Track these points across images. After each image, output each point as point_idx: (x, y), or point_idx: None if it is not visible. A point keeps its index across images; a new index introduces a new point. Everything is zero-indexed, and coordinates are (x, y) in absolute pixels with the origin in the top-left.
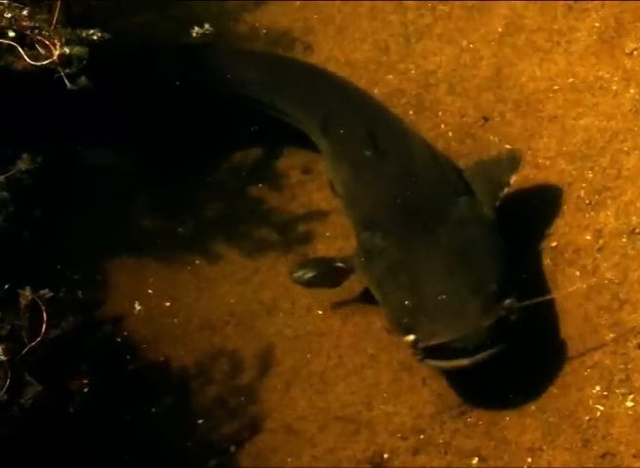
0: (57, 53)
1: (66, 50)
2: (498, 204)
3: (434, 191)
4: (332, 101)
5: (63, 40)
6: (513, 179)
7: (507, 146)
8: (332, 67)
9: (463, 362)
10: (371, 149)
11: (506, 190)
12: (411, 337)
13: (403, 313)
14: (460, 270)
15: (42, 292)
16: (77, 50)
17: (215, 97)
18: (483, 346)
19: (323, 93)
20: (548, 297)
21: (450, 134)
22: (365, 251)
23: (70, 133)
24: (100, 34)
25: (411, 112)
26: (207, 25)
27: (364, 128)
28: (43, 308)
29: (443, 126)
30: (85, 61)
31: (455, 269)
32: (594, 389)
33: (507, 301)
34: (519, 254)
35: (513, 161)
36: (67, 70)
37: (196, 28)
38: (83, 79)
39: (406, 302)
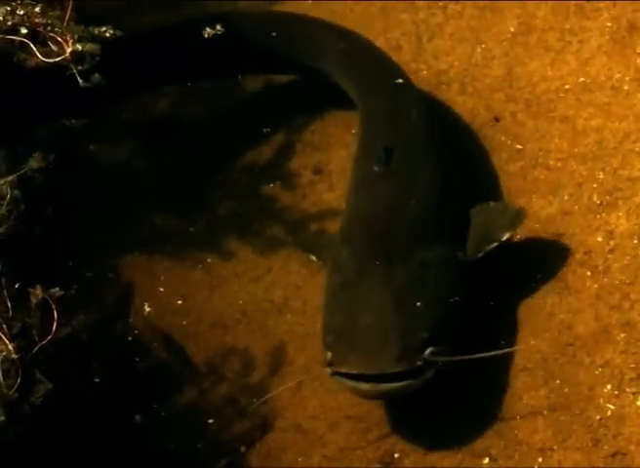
0: (69, 50)
1: (79, 47)
2: (481, 255)
3: (414, 227)
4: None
5: (76, 37)
6: (506, 238)
7: (518, 147)
8: None
9: (365, 387)
10: (380, 166)
11: (495, 245)
12: (328, 355)
13: (331, 331)
14: (398, 310)
15: (53, 290)
16: (89, 47)
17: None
18: (390, 379)
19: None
20: (482, 355)
21: (461, 133)
22: (332, 257)
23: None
24: (112, 31)
25: None
26: (218, 26)
27: (383, 144)
28: (54, 306)
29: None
30: (97, 58)
31: (394, 308)
32: (605, 388)
33: (428, 351)
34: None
35: (515, 219)
36: (80, 67)
37: (208, 29)
38: (96, 76)
39: (337, 322)
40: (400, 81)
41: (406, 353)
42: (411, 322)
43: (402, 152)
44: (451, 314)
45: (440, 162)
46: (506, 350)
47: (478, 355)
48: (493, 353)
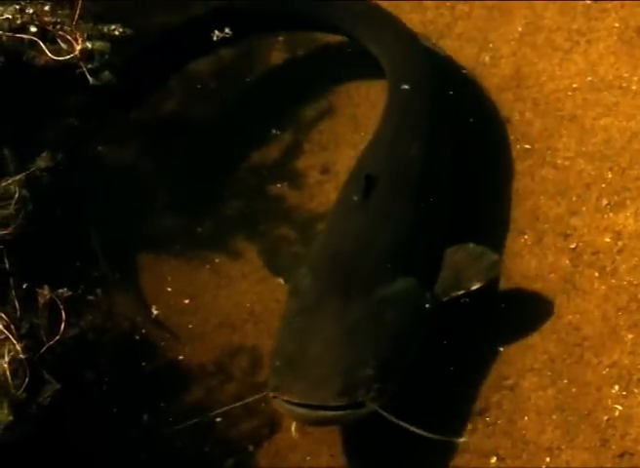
0: (78, 48)
1: (88, 45)
2: (446, 299)
3: (380, 262)
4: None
5: (85, 35)
6: (475, 287)
7: (527, 146)
8: (351, 66)
9: (302, 411)
10: (359, 196)
11: (461, 293)
12: (273, 380)
13: (279, 356)
14: (347, 344)
15: (60, 290)
16: (99, 45)
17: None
18: (329, 408)
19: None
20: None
21: (468, 134)
22: (295, 283)
23: None
24: (121, 29)
25: None
26: (227, 29)
27: (364, 174)
28: (61, 307)
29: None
30: (107, 56)
31: (343, 342)
32: (613, 389)
33: (372, 393)
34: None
35: (490, 269)
36: (90, 65)
37: (216, 32)
38: (106, 74)
39: (287, 349)
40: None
41: (348, 388)
42: (358, 357)
43: (387, 182)
44: (403, 353)
45: (427, 193)
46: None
47: (413, 428)
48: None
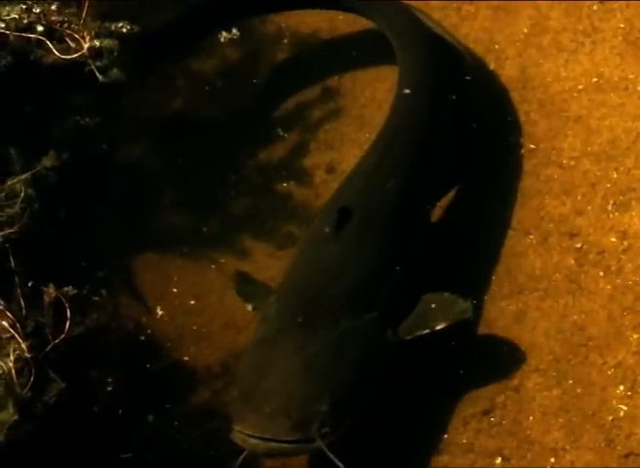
0: (86, 46)
1: (96, 43)
2: (410, 338)
3: (345, 297)
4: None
5: (93, 33)
6: (440, 327)
7: (532, 146)
8: (357, 66)
9: (251, 442)
10: (331, 228)
11: (426, 332)
12: (230, 406)
13: (238, 384)
14: (304, 379)
15: (66, 289)
16: (107, 43)
17: None
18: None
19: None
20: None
21: (473, 134)
22: (263, 311)
23: None
24: (129, 26)
25: None
26: (234, 30)
27: (339, 206)
28: (67, 305)
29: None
30: (116, 54)
31: (300, 376)
32: (618, 389)
33: (325, 429)
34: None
35: (459, 313)
36: (98, 63)
37: (224, 33)
38: (115, 71)
39: (245, 379)
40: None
41: (301, 423)
42: (313, 392)
43: (361, 216)
44: (359, 390)
45: (401, 230)
46: None
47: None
48: None
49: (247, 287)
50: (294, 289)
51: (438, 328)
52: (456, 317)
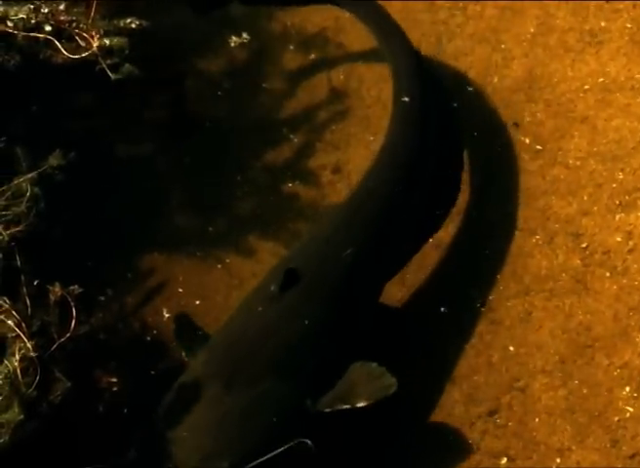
0: (95, 44)
1: (106, 41)
2: (329, 411)
3: (272, 360)
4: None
5: (102, 31)
6: (360, 405)
7: (538, 147)
8: (362, 67)
9: None
10: (275, 289)
11: (345, 407)
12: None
13: (152, 429)
14: (212, 435)
15: (72, 287)
16: (117, 41)
17: None
18: None
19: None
20: None
21: (480, 134)
22: (194, 358)
23: None
24: (137, 22)
25: None
26: (245, 34)
27: (288, 267)
28: (72, 304)
29: (473, 127)
30: (127, 51)
31: (210, 432)
32: (624, 390)
33: None
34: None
35: (382, 391)
36: (108, 61)
37: (234, 38)
38: (127, 67)
39: (160, 423)
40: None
41: None
42: (217, 449)
43: (309, 281)
44: (263, 453)
45: (345, 303)
46: None
47: None
48: None
49: (185, 332)
50: (225, 342)
51: (358, 405)
52: (378, 395)
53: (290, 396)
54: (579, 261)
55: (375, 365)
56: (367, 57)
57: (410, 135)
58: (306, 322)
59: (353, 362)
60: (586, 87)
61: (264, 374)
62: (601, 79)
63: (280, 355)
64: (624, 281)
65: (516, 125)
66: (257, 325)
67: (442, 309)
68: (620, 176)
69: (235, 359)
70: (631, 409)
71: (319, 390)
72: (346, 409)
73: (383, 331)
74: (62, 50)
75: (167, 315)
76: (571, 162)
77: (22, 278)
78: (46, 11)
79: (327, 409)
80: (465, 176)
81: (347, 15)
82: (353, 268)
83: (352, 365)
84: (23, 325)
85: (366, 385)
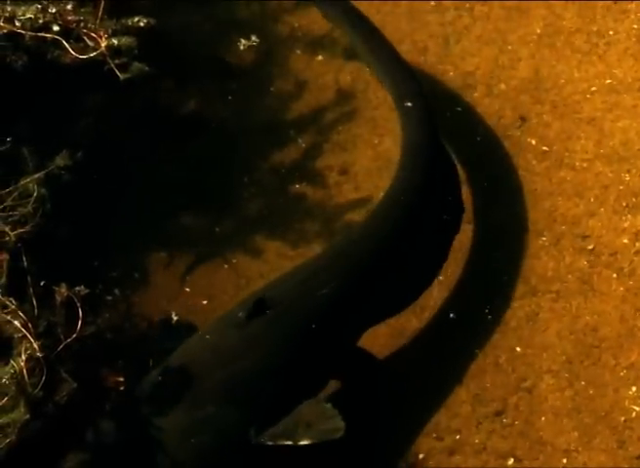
0: (104, 44)
1: (114, 41)
2: (271, 443)
3: (224, 385)
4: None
5: (110, 31)
6: (304, 443)
7: (544, 148)
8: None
9: None
10: (243, 316)
11: (288, 443)
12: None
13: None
14: (152, 455)
15: (78, 288)
16: (125, 40)
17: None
18: None
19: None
20: None
21: (487, 135)
22: (151, 372)
23: None
24: (145, 21)
25: (448, 114)
26: (254, 37)
27: (258, 297)
28: (79, 305)
29: (480, 127)
30: (136, 51)
31: (149, 452)
32: (630, 390)
33: None
34: None
35: (330, 433)
36: (117, 61)
37: (243, 41)
38: (135, 66)
39: (104, 439)
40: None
41: None
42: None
43: (276, 313)
44: None
45: (310, 341)
46: None
47: None
48: None
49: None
50: (182, 359)
51: (302, 443)
52: (324, 437)
53: (233, 422)
54: (585, 263)
55: (328, 405)
56: None
57: (413, 185)
58: (266, 352)
59: (309, 398)
60: (593, 88)
61: (212, 399)
62: (608, 80)
63: (232, 380)
64: (631, 282)
65: (522, 119)
66: (216, 347)
67: (450, 315)
68: (627, 178)
69: (187, 377)
70: (638, 410)
71: (266, 422)
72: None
73: (356, 377)
74: (70, 50)
75: (174, 315)
76: (577, 163)
77: (29, 278)
78: (54, 11)
79: (270, 442)
80: (471, 180)
81: None
82: (326, 308)
83: (306, 401)
84: (30, 325)
85: (314, 425)
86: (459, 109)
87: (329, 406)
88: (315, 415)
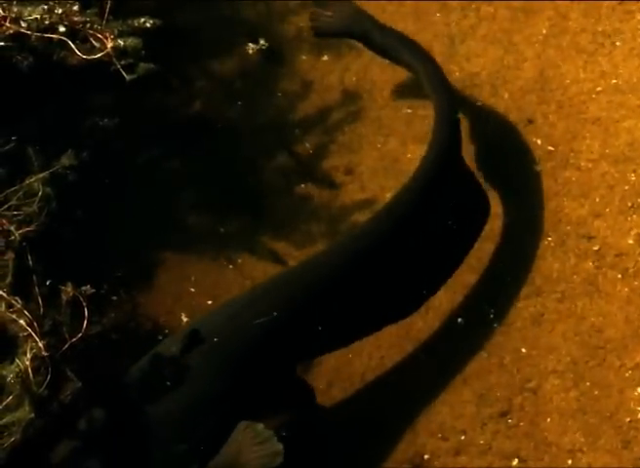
0: (110, 45)
1: (120, 42)
2: None
3: (163, 422)
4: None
5: (116, 32)
6: None
7: (550, 148)
8: (375, 69)
9: None
10: (176, 349)
11: None
12: None
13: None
14: None
15: (84, 287)
16: (131, 41)
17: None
18: None
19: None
20: None
21: (492, 136)
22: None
23: None
24: (152, 21)
25: None
26: (262, 41)
27: (192, 329)
28: (84, 304)
29: (485, 127)
30: (143, 52)
31: None
32: (635, 391)
33: None
34: None
35: (270, 458)
36: (123, 62)
37: (251, 45)
38: (142, 66)
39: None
40: None
41: None
42: None
43: (210, 345)
44: None
45: (243, 373)
46: None
47: None
48: None
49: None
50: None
51: None
52: (265, 464)
53: (175, 461)
54: (590, 263)
55: (261, 426)
56: (379, 58)
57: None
58: (200, 386)
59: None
60: (599, 88)
61: (152, 436)
62: (614, 80)
63: (171, 418)
64: (636, 283)
65: (529, 121)
66: (150, 383)
67: (455, 316)
68: (633, 178)
69: (129, 415)
70: None
71: (208, 454)
72: None
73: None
74: (76, 51)
75: (179, 314)
76: (583, 164)
77: (34, 278)
78: (60, 11)
79: None
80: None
81: None
82: (260, 339)
83: (240, 424)
84: (35, 324)
85: (253, 451)
86: (464, 109)
87: (261, 427)
88: (252, 441)
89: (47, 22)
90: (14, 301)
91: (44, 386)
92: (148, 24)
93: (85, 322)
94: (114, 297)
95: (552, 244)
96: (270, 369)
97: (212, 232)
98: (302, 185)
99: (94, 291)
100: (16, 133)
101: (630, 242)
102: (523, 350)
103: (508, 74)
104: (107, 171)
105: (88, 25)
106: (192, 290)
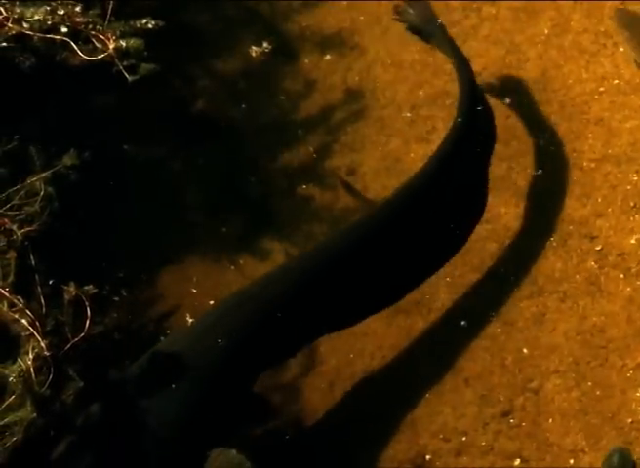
0: (112, 46)
1: (122, 43)
2: None
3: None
4: None
5: (118, 33)
6: None
7: (552, 148)
8: (378, 68)
9: None
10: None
11: None
12: None
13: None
14: None
15: (86, 287)
16: (133, 42)
17: None
18: None
19: None
20: None
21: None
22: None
23: None
24: (153, 22)
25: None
26: (265, 43)
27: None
28: (87, 304)
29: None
30: (145, 53)
31: None
32: (637, 392)
33: None
34: None
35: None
36: (125, 62)
37: (254, 48)
38: (143, 67)
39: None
40: None
41: None
42: None
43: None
44: None
45: (208, 393)
46: None
47: None
48: None
49: None
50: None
51: None
52: None
53: None
54: (593, 263)
55: (234, 452)
56: (382, 58)
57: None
58: (160, 409)
59: (214, 448)
60: (601, 88)
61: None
62: (616, 81)
63: (137, 438)
64: (638, 283)
65: (532, 122)
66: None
67: (457, 316)
68: (635, 178)
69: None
70: None
71: None
72: None
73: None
74: (79, 51)
75: (181, 314)
76: (585, 164)
77: (37, 277)
78: (62, 12)
79: None
80: None
81: (362, 17)
82: (222, 359)
83: (212, 451)
84: (37, 324)
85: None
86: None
87: (234, 452)
88: (224, 465)
89: (49, 23)
90: (16, 301)
91: (46, 386)
92: (150, 25)
93: (87, 322)
94: (116, 298)
95: (554, 243)
96: (232, 387)
97: (214, 232)
98: (305, 185)
99: (96, 290)
100: (18, 132)
101: (633, 242)
102: (525, 350)
103: (510, 74)
104: (109, 171)
105: (90, 26)
106: (194, 290)
